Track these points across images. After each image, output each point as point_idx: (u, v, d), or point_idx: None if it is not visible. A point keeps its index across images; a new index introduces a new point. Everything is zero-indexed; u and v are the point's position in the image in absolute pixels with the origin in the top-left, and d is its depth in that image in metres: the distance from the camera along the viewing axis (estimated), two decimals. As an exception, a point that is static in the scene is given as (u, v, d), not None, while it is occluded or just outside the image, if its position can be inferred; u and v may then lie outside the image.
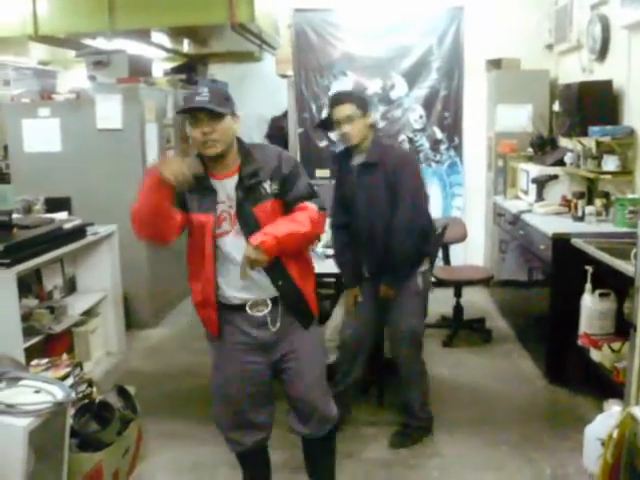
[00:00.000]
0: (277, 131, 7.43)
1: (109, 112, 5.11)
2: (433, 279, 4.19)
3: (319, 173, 6.42)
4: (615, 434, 2.06)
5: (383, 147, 3.35)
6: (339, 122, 3.23)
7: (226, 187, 2.57)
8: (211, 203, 2.56)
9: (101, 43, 5.94)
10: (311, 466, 3.00)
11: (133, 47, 6.11)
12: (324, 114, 6.33)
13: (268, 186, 2.55)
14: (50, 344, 3.91)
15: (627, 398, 2.28)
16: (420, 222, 3.36)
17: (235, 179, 2.57)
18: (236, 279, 2.54)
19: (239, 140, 2.63)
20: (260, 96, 7.46)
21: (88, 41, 5.89)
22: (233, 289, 2.62)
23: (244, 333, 2.68)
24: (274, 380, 2.82)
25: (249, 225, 2.53)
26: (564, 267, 4.09)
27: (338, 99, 3.30)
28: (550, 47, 6.05)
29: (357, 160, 3.35)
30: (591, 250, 3.76)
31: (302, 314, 2.74)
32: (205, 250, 2.58)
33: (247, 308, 2.64)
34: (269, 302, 2.65)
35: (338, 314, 4.31)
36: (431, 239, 3.62)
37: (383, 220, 3.31)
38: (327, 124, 3.41)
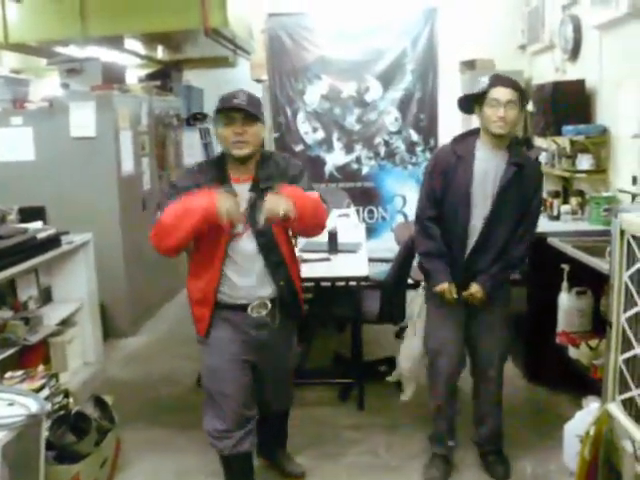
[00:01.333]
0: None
1: (83, 120, 5.06)
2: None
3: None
4: (592, 431, 2.06)
5: (522, 150, 3.16)
6: (498, 103, 2.88)
7: (243, 191, 2.67)
8: None
9: (74, 51, 5.90)
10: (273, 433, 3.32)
11: (106, 54, 6.08)
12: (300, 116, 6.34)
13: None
14: (26, 355, 3.86)
15: (604, 395, 2.28)
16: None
17: (249, 183, 2.70)
18: (242, 280, 2.71)
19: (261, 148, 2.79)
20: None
21: (60, 49, 5.85)
22: (237, 290, 2.73)
23: (243, 332, 2.79)
24: None
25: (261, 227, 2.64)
26: (541, 266, 4.10)
27: (503, 81, 2.95)
28: (523, 47, 6.10)
29: (492, 154, 3.01)
30: (567, 249, 3.77)
31: (295, 314, 2.94)
32: (217, 250, 2.68)
33: (249, 309, 2.75)
34: (269, 303, 2.78)
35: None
36: None
37: (506, 227, 3.05)
38: (470, 103, 3.05)
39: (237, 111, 2.57)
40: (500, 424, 3.36)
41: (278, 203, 2.47)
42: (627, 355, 2.04)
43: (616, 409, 2.04)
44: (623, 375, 2.08)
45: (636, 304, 1.95)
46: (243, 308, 2.75)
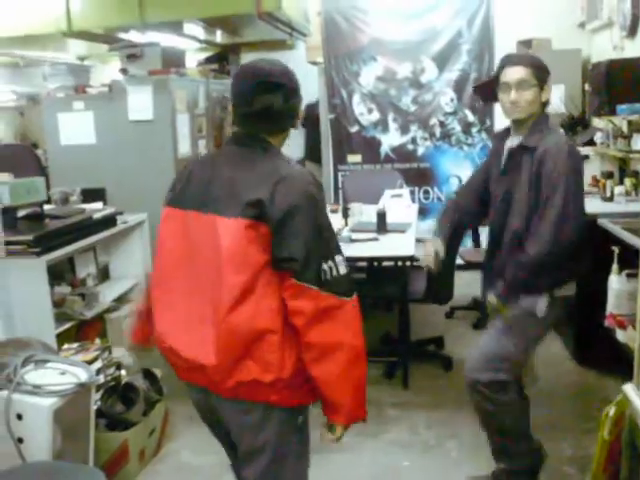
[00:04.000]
0: (312, 117, 7.46)
1: (140, 104, 5.21)
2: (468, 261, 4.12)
3: (351, 158, 6.48)
4: (612, 412, 2.06)
5: (546, 132, 2.68)
6: (508, 86, 2.64)
7: None
8: None
9: (134, 36, 6.05)
10: None
11: (167, 39, 6.21)
12: (357, 100, 6.37)
13: None
14: (83, 330, 4.05)
15: (636, 377, 2.27)
16: (567, 237, 2.58)
17: None
18: None
19: None
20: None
21: (122, 35, 6.01)
22: None
23: None
24: None
25: None
26: (591, 247, 4.05)
27: (511, 59, 2.72)
28: (582, 25, 5.96)
29: (512, 141, 2.77)
30: (616, 230, 3.72)
31: None
32: None
33: None
34: None
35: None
36: (585, 258, 2.81)
37: (516, 221, 2.71)
38: (488, 90, 2.83)
39: None
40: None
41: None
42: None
43: (632, 390, 2.03)
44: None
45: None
46: None
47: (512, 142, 2.76)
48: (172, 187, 2.09)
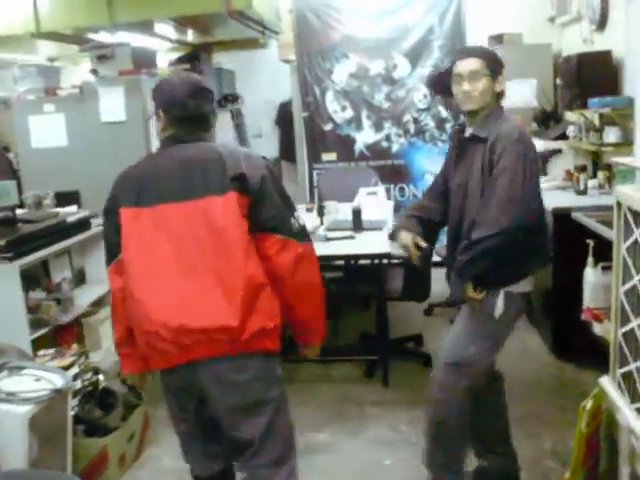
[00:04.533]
0: (285, 116, 7.45)
1: (112, 105, 5.16)
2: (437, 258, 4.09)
3: (325, 157, 6.47)
4: (589, 406, 2.07)
5: (499, 121, 2.62)
6: (461, 77, 2.61)
7: None
8: None
9: (104, 37, 5.99)
10: None
11: (137, 39, 6.15)
12: (329, 96, 6.36)
13: None
14: (60, 335, 4.01)
15: (611, 369, 2.28)
16: (512, 221, 2.46)
17: None
18: None
19: None
20: (267, 82, 7.48)
21: (91, 35, 5.94)
22: None
23: None
24: None
25: None
26: (566, 241, 4.07)
27: (463, 52, 2.78)
28: (552, 20, 6.00)
29: (466, 132, 2.73)
30: (590, 223, 3.74)
31: None
32: None
33: None
34: None
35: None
36: (540, 252, 2.75)
37: (475, 213, 2.60)
38: (442, 83, 2.76)
39: None
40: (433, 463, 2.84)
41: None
42: (625, 329, 2.04)
43: (608, 383, 2.05)
44: (623, 349, 2.08)
45: (632, 277, 1.95)
46: None
47: (466, 133, 2.73)
48: (117, 195, 2.31)
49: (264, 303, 2.14)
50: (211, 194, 2.13)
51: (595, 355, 3.90)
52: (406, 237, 2.81)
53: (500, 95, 2.67)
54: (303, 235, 2.26)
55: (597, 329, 3.79)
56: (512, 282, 2.61)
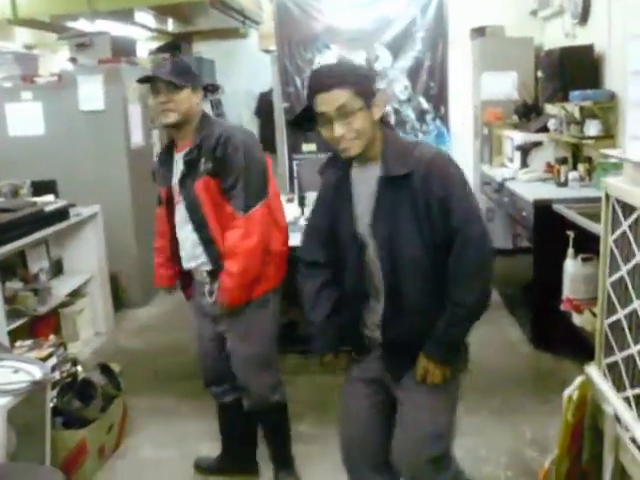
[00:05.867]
0: (265, 107, 7.41)
1: (91, 93, 5.10)
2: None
3: (305, 147, 6.42)
4: (575, 395, 2.08)
5: (407, 149, 2.04)
6: (326, 118, 1.97)
7: (179, 159, 2.70)
8: (168, 175, 2.74)
9: (83, 25, 5.91)
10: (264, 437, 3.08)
11: (117, 28, 6.09)
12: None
13: (202, 164, 2.61)
14: (37, 326, 3.96)
15: (596, 359, 2.29)
16: (492, 262, 2.08)
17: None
18: (185, 248, 2.75)
19: (203, 117, 2.71)
20: (247, 72, 7.45)
21: (70, 23, 5.87)
22: (184, 257, 2.79)
23: (198, 298, 2.86)
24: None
25: (189, 198, 2.66)
26: (546, 233, 4.10)
27: (321, 82, 1.98)
28: (534, 13, 6.01)
29: (367, 173, 2.07)
30: (571, 215, 3.76)
31: (227, 297, 2.69)
32: (168, 217, 2.80)
33: (194, 275, 2.82)
34: (206, 275, 2.75)
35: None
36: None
37: (414, 263, 2.02)
38: (304, 121, 2.13)
39: (159, 81, 2.58)
40: None
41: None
42: (611, 319, 2.05)
43: (595, 372, 2.06)
44: (608, 339, 2.09)
45: (619, 268, 1.96)
46: (192, 274, 2.84)
47: (367, 174, 2.07)
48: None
49: None
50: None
51: (574, 345, 3.94)
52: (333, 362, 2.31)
53: (383, 119, 2.07)
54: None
55: (577, 320, 3.82)
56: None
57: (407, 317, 2.06)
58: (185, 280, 2.89)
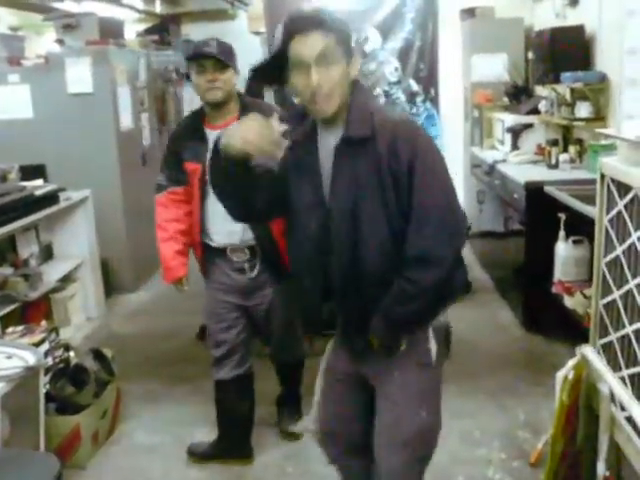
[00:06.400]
0: (255, 89, 7.35)
1: (79, 76, 5.03)
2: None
3: (296, 131, 6.38)
4: (570, 375, 2.09)
5: (371, 112, 1.80)
6: (303, 64, 1.75)
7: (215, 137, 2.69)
8: (201, 151, 2.73)
9: (70, 6, 5.84)
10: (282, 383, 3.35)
11: (104, 9, 6.01)
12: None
13: None
14: (28, 311, 3.94)
15: (590, 340, 2.30)
16: (458, 243, 1.83)
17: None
18: (220, 224, 2.75)
19: (240, 96, 2.82)
20: (237, 54, 7.37)
21: (56, 4, 5.79)
22: (218, 234, 2.83)
23: (225, 275, 2.89)
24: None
25: None
26: (538, 215, 4.10)
27: (301, 23, 1.78)
28: (525, -6, 5.99)
29: (328, 137, 1.85)
30: (562, 197, 3.77)
31: (275, 269, 2.86)
32: (194, 196, 2.83)
33: (228, 252, 2.85)
34: (247, 251, 2.84)
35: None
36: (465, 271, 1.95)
37: (376, 238, 1.79)
38: (269, 73, 1.90)
39: (208, 59, 2.65)
40: None
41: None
42: (606, 300, 2.05)
43: (591, 353, 2.07)
44: (603, 320, 2.10)
45: (615, 248, 1.96)
46: (224, 251, 2.86)
47: (329, 138, 1.85)
48: None
49: None
50: None
51: (565, 328, 3.96)
52: (250, 128, 1.78)
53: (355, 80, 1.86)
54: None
55: (568, 302, 3.84)
56: (436, 316, 1.96)
57: (364, 293, 1.85)
58: (204, 257, 2.95)
